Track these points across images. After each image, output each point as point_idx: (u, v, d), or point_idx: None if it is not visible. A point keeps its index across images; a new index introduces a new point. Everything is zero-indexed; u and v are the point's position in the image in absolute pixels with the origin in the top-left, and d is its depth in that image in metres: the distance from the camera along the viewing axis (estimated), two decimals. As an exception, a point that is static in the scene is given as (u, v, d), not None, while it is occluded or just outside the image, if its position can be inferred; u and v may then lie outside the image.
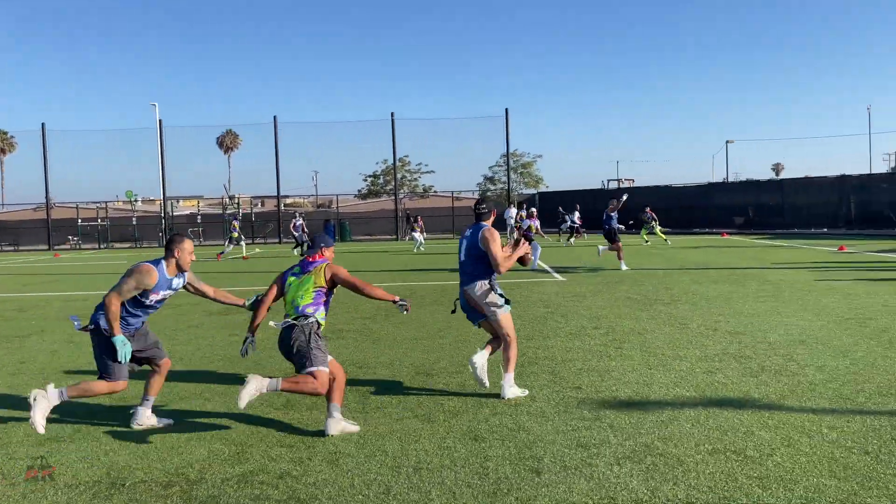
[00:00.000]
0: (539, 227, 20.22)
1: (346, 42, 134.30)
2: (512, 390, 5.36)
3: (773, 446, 4.14)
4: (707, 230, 31.59)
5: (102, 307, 4.61)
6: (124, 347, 4.56)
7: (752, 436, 4.34)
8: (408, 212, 37.46)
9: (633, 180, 61.46)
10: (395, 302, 4.93)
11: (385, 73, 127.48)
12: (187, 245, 4.75)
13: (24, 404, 4.75)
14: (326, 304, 4.81)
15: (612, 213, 16.19)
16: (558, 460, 4.03)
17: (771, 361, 6.26)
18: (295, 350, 4.56)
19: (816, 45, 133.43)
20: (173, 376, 5.76)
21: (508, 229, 27.68)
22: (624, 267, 15.32)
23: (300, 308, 4.66)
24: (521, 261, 5.73)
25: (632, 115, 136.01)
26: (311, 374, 4.46)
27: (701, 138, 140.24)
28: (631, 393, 5.41)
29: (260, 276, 16.81)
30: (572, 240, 27.23)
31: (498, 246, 5.37)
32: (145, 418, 4.89)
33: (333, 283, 4.80)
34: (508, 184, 42.69)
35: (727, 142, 63.14)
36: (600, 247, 16.87)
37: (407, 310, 4.99)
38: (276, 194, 39.75)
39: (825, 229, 31.86)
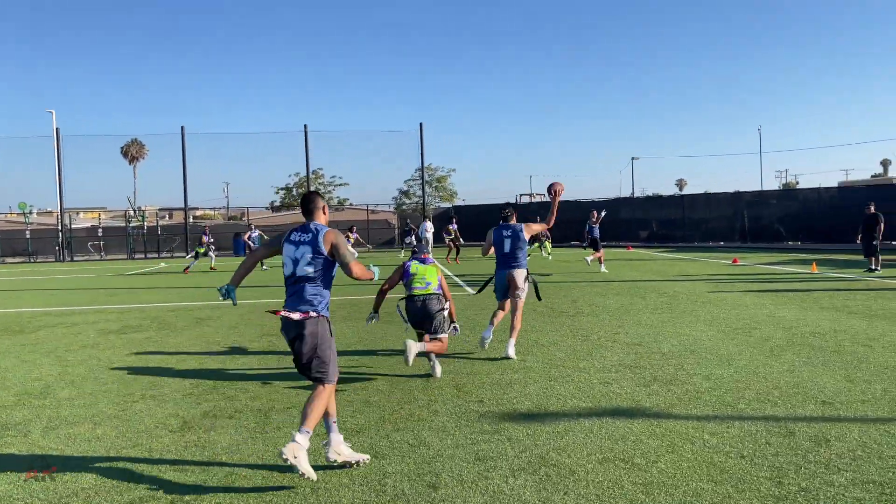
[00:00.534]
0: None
1: (262, 51, 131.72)
2: (513, 350, 7.30)
3: (659, 453, 4.36)
4: (613, 244, 32.80)
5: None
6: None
7: (640, 444, 4.55)
8: None
9: (544, 195, 63.01)
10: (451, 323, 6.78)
11: (299, 84, 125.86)
12: None
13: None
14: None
15: (594, 225, 18.86)
16: (455, 475, 4.10)
17: (663, 371, 6.58)
18: (436, 317, 6.46)
19: (713, 70, 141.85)
20: (63, 402, 5.42)
21: (423, 241, 27.68)
22: (603, 269, 18.52)
23: (437, 287, 6.55)
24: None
25: (545, 132, 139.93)
26: (442, 339, 6.49)
27: (608, 155, 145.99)
28: (531, 405, 5.56)
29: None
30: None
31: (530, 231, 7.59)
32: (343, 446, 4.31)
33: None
34: (423, 197, 42.93)
35: (633, 158, 66.04)
36: (588, 257, 18.69)
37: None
38: (183, 206, 38.45)
39: (722, 242, 33.71)
